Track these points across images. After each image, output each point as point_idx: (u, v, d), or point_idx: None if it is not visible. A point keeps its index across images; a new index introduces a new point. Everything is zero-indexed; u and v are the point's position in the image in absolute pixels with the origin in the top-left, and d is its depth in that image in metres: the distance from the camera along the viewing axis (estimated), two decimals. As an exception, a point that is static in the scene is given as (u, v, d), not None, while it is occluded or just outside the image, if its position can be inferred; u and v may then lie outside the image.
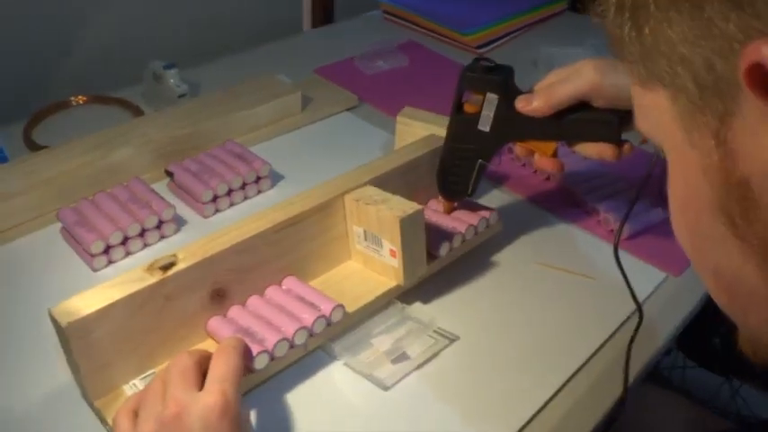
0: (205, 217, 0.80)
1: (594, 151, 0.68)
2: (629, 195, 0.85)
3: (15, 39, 1.05)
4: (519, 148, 0.72)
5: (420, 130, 0.83)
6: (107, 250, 0.72)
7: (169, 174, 0.82)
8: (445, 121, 0.81)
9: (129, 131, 0.86)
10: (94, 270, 0.72)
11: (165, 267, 0.58)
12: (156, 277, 0.57)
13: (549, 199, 0.86)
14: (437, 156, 0.75)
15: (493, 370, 0.63)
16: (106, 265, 0.73)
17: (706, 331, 1.32)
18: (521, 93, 0.67)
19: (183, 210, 0.80)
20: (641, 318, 0.65)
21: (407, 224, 0.63)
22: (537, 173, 0.90)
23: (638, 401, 0.87)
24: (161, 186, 0.83)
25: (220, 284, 0.61)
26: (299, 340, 0.60)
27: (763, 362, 0.39)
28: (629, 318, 0.70)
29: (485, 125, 0.68)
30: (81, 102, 0.99)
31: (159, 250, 0.75)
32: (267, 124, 0.94)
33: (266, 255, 0.64)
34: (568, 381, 0.63)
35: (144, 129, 0.87)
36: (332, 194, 0.67)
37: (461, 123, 0.70)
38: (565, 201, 0.86)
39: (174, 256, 0.60)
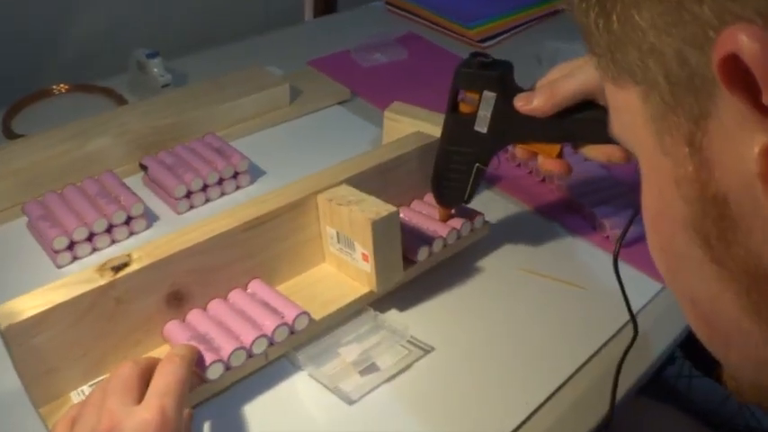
0: (179, 213, 0.76)
1: (602, 153, 0.62)
2: (629, 200, 0.80)
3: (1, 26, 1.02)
4: (520, 150, 0.66)
5: (408, 126, 0.78)
6: (71, 246, 0.69)
7: (143, 167, 0.78)
8: (436, 117, 0.77)
9: (108, 121, 0.83)
10: (59, 267, 0.69)
11: (117, 268, 0.55)
12: (105, 279, 0.54)
13: (543, 202, 0.81)
14: (423, 154, 0.72)
15: (469, 384, 0.59)
16: (71, 262, 0.69)
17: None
18: (521, 90, 0.62)
19: (157, 205, 0.77)
20: (636, 332, 0.60)
21: (380, 227, 0.59)
22: (532, 173, 0.86)
23: (633, 416, 0.82)
24: (136, 180, 0.80)
25: (179, 287, 0.58)
26: (257, 349, 0.56)
27: (748, 401, 0.34)
28: (619, 331, 0.65)
29: (482, 126, 0.63)
30: (63, 90, 0.96)
31: (128, 247, 0.71)
32: (252, 117, 0.91)
33: (231, 256, 0.60)
34: (550, 397, 0.59)
35: (123, 119, 0.83)
36: (304, 193, 0.64)
37: (456, 124, 0.64)
38: (560, 204, 0.81)
39: (129, 255, 0.56)
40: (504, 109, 0.61)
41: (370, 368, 0.59)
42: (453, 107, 0.64)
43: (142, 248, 0.57)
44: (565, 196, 0.81)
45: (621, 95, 0.31)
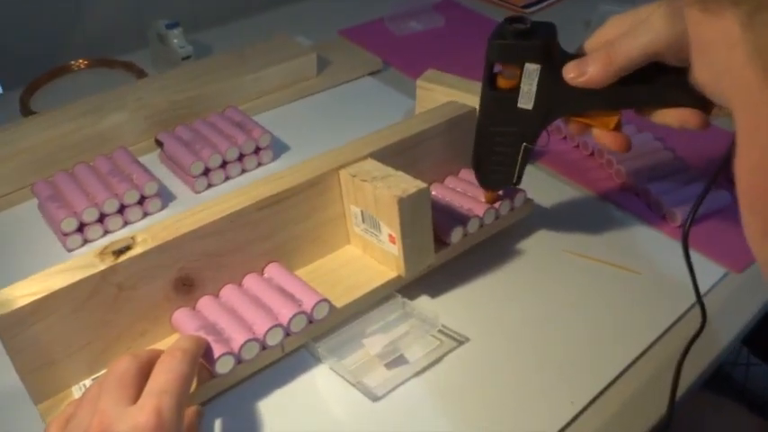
0: (197, 192, 0.71)
1: (674, 119, 0.52)
2: (689, 175, 0.72)
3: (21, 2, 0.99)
4: (572, 125, 0.57)
5: (442, 95, 0.72)
6: (81, 228, 0.65)
7: (159, 143, 0.74)
8: (473, 86, 0.71)
9: (124, 96, 0.78)
10: (69, 250, 0.65)
11: (119, 252, 0.50)
12: (106, 263, 0.49)
13: (591, 178, 0.74)
14: (457, 125, 0.65)
15: (507, 380, 0.53)
16: (81, 245, 0.65)
17: (760, 317, 1.19)
18: (569, 56, 0.53)
19: (174, 184, 0.72)
20: (704, 320, 0.53)
21: (408, 206, 0.53)
22: (579, 147, 0.79)
23: (693, 414, 0.75)
24: (153, 158, 0.76)
25: (188, 271, 0.53)
26: (272, 340, 0.51)
27: None
28: (678, 320, 0.58)
29: (527, 102, 0.54)
30: (83, 66, 0.92)
31: (142, 229, 0.67)
32: (277, 89, 0.85)
33: (246, 237, 0.55)
34: (599, 395, 0.52)
35: (140, 93, 0.79)
36: (325, 168, 0.58)
37: (497, 103, 0.55)
38: (610, 181, 0.74)
39: (133, 238, 0.51)
40: (551, 81, 0.53)
41: (398, 361, 0.54)
42: (490, 82, 0.55)
43: (147, 230, 0.52)
44: (616, 172, 0.74)
45: (713, 25, 0.24)
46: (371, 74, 0.93)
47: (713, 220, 0.68)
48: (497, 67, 0.55)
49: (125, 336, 0.52)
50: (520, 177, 0.59)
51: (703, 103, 0.51)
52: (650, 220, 0.68)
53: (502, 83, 0.55)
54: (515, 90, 0.54)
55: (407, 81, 0.90)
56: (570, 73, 0.51)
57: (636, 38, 0.48)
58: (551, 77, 0.53)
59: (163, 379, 0.42)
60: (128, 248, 0.50)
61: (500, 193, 0.63)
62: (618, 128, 0.55)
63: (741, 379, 1.27)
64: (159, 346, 0.53)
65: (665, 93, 0.51)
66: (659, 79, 0.50)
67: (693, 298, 0.59)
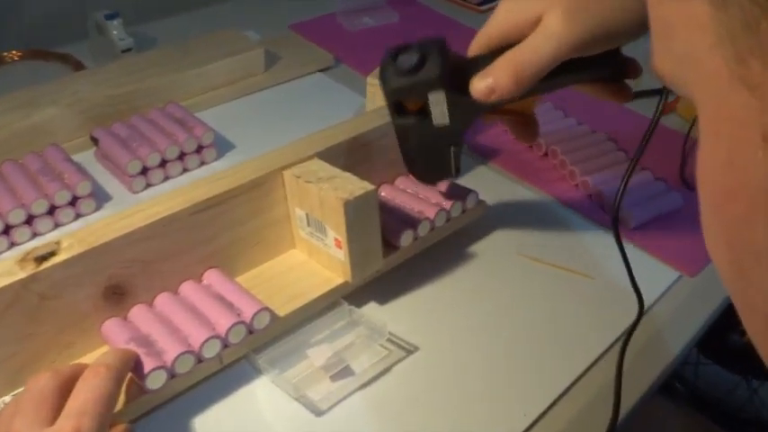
0: (134, 192, 0.67)
1: (595, 92, 0.53)
2: (639, 180, 0.71)
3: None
4: (488, 118, 0.58)
5: (392, 93, 0.70)
6: (7, 231, 0.60)
7: (94, 140, 0.70)
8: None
9: (58, 90, 0.74)
10: (-6, 254, 0.61)
11: (41, 258, 0.46)
12: (26, 271, 0.45)
13: (544, 179, 0.73)
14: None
15: (458, 391, 0.51)
16: (8, 249, 0.61)
17: (724, 327, 1.19)
18: (465, 62, 0.49)
19: (110, 184, 0.68)
20: (641, 310, 0.53)
21: (354, 208, 0.51)
22: (533, 147, 0.77)
23: (641, 418, 0.74)
24: (89, 156, 0.71)
25: (118, 279, 0.50)
26: (208, 353, 0.48)
27: None
28: (632, 327, 0.57)
29: (441, 119, 0.51)
30: (15, 58, 0.87)
31: (68, 234, 0.63)
32: (222, 85, 0.82)
33: (181, 242, 0.52)
34: (552, 405, 0.51)
35: (75, 87, 0.74)
36: (268, 169, 0.55)
37: (412, 126, 0.52)
38: (564, 181, 0.72)
39: (57, 243, 0.48)
40: (460, 95, 0.49)
41: (343, 372, 0.51)
42: (398, 111, 0.52)
43: (73, 235, 0.49)
44: (569, 173, 0.72)
45: (679, 5, 0.21)
46: (322, 70, 0.90)
47: (666, 222, 0.67)
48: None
49: (49, 348, 0.48)
50: (458, 170, 0.56)
51: (620, 75, 0.52)
52: (604, 222, 0.67)
53: (410, 106, 0.51)
54: (425, 111, 0.50)
55: (359, 78, 0.87)
56: (478, 93, 0.48)
57: (538, 51, 0.45)
58: (459, 92, 0.49)
59: (83, 399, 0.39)
60: (51, 255, 0.47)
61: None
62: (532, 113, 0.56)
63: (691, 378, 1.28)
64: (88, 358, 0.49)
65: (581, 78, 0.51)
66: (576, 69, 0.48)
67: (649, 302, 0.58)
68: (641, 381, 0.53)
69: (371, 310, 0.57)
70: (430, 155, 0.55)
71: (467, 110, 0.51)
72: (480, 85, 0.47)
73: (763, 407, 1.27)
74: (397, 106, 0.51)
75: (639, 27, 0.45)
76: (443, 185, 0.62)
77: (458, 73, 0.49)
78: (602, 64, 0.50)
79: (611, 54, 0.49)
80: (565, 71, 0.48)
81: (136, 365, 0.46)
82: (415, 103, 0.51)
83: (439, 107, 0.50)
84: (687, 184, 0.72)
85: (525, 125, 0.56)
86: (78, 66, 0.86)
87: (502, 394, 0.51)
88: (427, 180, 0.59)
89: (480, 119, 0.56)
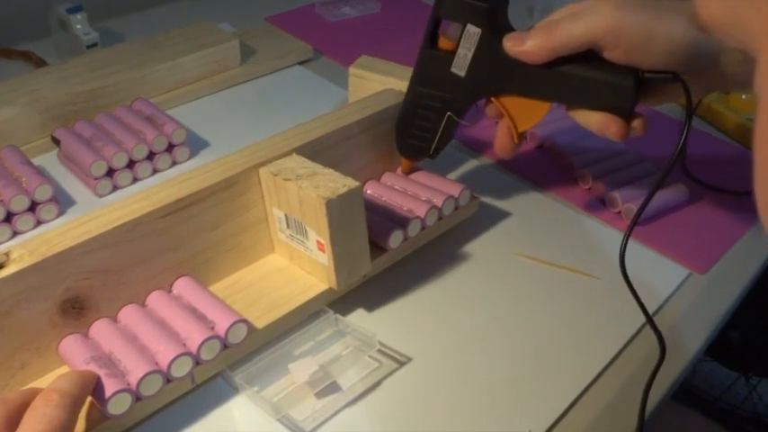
0: (99, 196, 0.62)
1: (596, 122, 0.51)
2: (643, 168, 0.67)
3: None
4: (490, 107, 0.55)
5: (376, 84, 0.65)
6: (-42, 240, 0.55)
7: (56, 141, 0.64)
8: (409, 72, 0.64)
9: (16, 88, 0.68)
10: (-56, 266, 0.55)
11: (-12, 271, 0.41)
12: (-29, 286, 0.40)
13: (541, 173, 0.68)
14: (394, 116, 0.58)
15: (456, 405, 0.46)
16: (-40, 260, 0.56)
17: (723, 323, 1.16)
18: (513, 31, 0.51)
19: (74, 187, 0.63)
20: (663, 350, 0.47)
21: (337, 208, 0.46)
22: (527, 138, 0.73)
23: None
24: (51, 158, 0.66)
25: (76, 292, 0.45)
26: (178, 372, 0.43)
27: None
28: (640, 330, 0.53)
29: (460, 68, 0.52)
30: (-27, 55, 0.81)
31: (19, 244, 0.58)
32: (195, 80, 0.77)
33: (148, 249, 0.47)
34: (559, 420, 0.46)
35: (35, 84, 0.69)
36: (242, 167, 0.50)
37: (431, 61, 0.53)
38: (562, 176, 0.68)
39: (6, 254, 0.43)
40: (489, 50, 0.51)
41: (330, 388, 0.46)
42: (431, 41, 0.53)
43: (25, 245, 0.44)
44: (566, 165, 0.68)
45: None
46: (301, 63, 0.85)
47: (672, 218, 0.63)
48: (443, 26, 0.53)
49: (0, 370, 0.43)
50: (437, 151, 0.57)
51: (628, 112, 0.50)
52: (605, 217, 0.63)
53: (442, 43, 0.53)
54: (452, 53, 0.52)
55: (340, 70, 0.83)
56: (509, 41, 0.50)
57: (580, 18, 0.48)
58: (490, 49, 0.51)
59: (31, 431, 0.34)
60: (0, 267, 0.42)
61: (415, 164, 0.60)
62: (524, 134, 0.56)
63: (688, 375, 1.25)
64: (45, 380, 0.44)
65: (594, 88, 0.50)
66: (593, 73, 0.49)
67: (657, 303, 0.54)
68: (660, 385, 0.48)
69: (359, 318, 0.52)
70: (425, 111, 0.55)
71: (486, 75, 0.52)
72: (512, 35, 0.50)
73: (760, 403, 1.24)
74: (433, 34, 0.53)
75: (670, 56, 0.47)
76: (434, 181, 0.58)
77: (500, 29, 0.51)
78: (618, 79, 0.49)
79: (631, 73, 0.49)
80: (583, 73, 0.49)
81: (96, 389, 0.41)
82: (448, 43, 0.52)
83: (467, 47, 0.51)
84: (689, 174, 0.68)
85: (512, 137, 0.55)
86: (41, 63, 0.81)
87: (504, 409, 0.46)
88: (405, 149, 0.58)
89: (483, 108, 0.56)
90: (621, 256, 0.49)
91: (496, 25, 0.51)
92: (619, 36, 0.47)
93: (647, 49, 0.47)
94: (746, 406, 1.25)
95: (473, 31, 0.50)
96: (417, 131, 0.56)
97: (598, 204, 0.64)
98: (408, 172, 0.60)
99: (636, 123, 0.51)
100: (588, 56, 0.49)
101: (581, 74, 0.50)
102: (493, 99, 0.53)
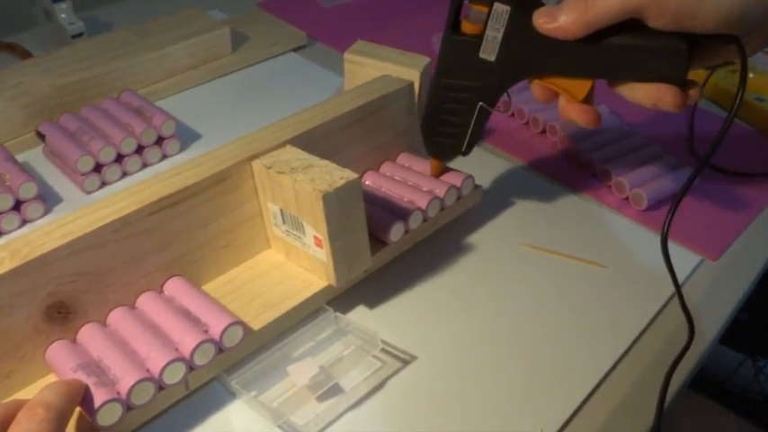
0: (87, 192, 0.60)
1: (647, 95, 0.46)
2: (651, 152, 0.65)
3: None
4: (537, 89, 0.50)
5: (373, 70, 0.63)
6: (-60, 243, 0.53)
7: (40, 136, 0.62)
8: (408, 58, 0.62)
9: (0, 82, 0.66)
10: (-74, 270, 0.53)
11: (-34, 277, 0.39)
12: (-52, 293, 0.38)
13: (544, 159, 0.66)
14: (392, 103, 0.56)
15: (463, 405, 0.44)
16: (-57, 263, 0.54)
17: (739, 309, 1.15)
18: (543, 5, 0.47)
19: (61, 184, 0.61)
20: (692, 332, 0.45)
21: (335, 201, 0.44)
22: (529, 124, 0.70)
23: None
24: (36, 154, 0.64)
25: (61, 296, 0.42)
26: (171, 378, 0.41)
27: None
28: (652, 321, 0.50)
29: (489, 52, 0.48)
30: (-45, 48, 0.79)
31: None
32: (185, 69, 0.74)
33: (136, 249, 0.45)
34: (573, 416, 0.44)
35: (19, 78, 0.66)
36: (235, 160, 0.48)
37: (456, 48, 0.48)
38: (566, 162, 0.66)
39: (-14, 258, 0.40)
40: (520, 29, 0.46)
41: (331, 391, 0.44)
42: (454, 25, 0.48)
43: (5, 247, 0.41)
44: (571, 151, 0.66)
45: None
46: (295, 50, 0.83)
47: (682, 203, 0.60)
48: (466, 9, 0.48)
49: (-17, 380, 0.41)
50: (470, 147, 0.52)
51: (682, 79, 0.45)
52: (612, 203, 0.61)
53: (466, 27, 0.48)
54: (479, 37, 0.47)
55: (336, 56, 0.80)
56: (541, 17, 0.45)
57: None
58: (521, 27, 0.46)
59: (14, 448, 0.32)
60: (-21, 271, 0.39)
61: (446, 164, 0.56)
62: (589, 99, 0.48)
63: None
64: (33, 388, 0.42)
65: (643, 58, 0.45)
66: (638, 42, 0.44)
67: (668, 292, 0.52)
68: (678, 374, 0.46)
69: (360, 316, 0.50)
70: (453, 105, 0.50)
71: (519, 56, 0.47)
72: (543, 10, 0.45)
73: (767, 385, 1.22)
74: (455, 18, 0.48)
75: (722, 20, 0.42)
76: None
77: (531, 7, 0.46)
78: (670, 44, 0.44)
79: (682, 37, 0.44)
80: (627, 43, 0.45)
81: (85, 399, 0.38)
82: (473, 26, 0.48)
83: (496, 29, 0.47)
84: (698, 157, 0.66)
85: (582, 108, 0.49)
86: (26, 55, 0.78)
87: (513, 408, 0.44)
88: (435, 149, 0.54)
89: (528, 82, 0.50)
90: (664, 240, 0.46)
91: (526, 0, 0.46)
92: (662, 4, 0.42)
93: (697, 15, 0.42)
94: (753, 387, 1.23)
95: (502, 10, 0.46)
96: (446, 128, 0.52)
97: (605, 190, 0.62)
98: (439, 174, 0.56)
99: (692, 91, 0.46)
100: (629, 25, 0.44)
101: (627, 43, 0.45)
102: (536, 81, 0.49)
